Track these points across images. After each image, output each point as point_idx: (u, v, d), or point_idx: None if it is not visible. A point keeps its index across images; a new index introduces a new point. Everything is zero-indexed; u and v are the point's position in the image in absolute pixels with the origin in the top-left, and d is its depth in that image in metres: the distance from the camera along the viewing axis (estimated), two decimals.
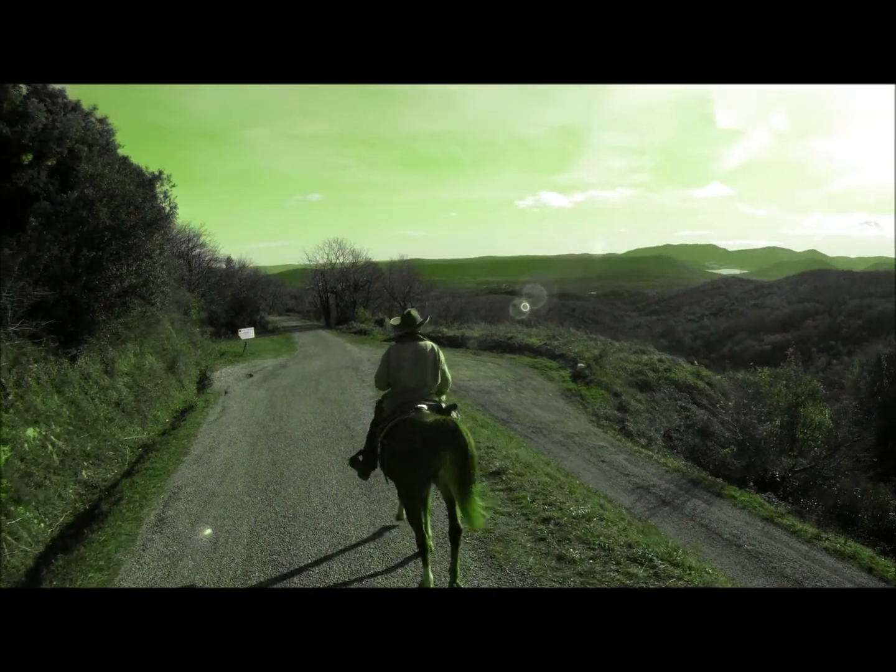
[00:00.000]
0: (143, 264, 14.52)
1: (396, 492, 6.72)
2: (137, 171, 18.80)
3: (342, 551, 7.02)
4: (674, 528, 11.98)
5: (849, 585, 10.37)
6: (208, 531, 7.75)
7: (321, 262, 51.69)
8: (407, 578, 6.29)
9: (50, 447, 10.43)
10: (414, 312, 6.81)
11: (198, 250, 44.96)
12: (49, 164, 14.29)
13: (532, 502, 8.16)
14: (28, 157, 14.01)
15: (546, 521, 7.52)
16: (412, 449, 5.67)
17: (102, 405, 13.25)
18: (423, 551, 5.83)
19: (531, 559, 6.51)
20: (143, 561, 7.13)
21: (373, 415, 7.21)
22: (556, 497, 8.42)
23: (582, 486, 10.93)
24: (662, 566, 6.37)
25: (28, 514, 8.84)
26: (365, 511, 8.19)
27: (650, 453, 17.75)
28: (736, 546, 11.65)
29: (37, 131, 13.95)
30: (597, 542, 6.83)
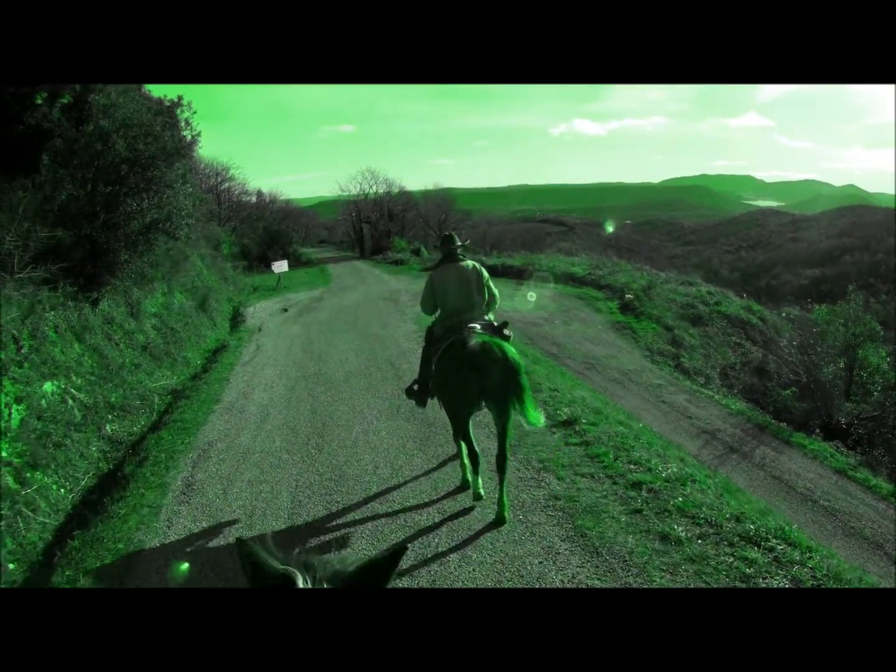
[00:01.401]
0: (165, 196, 13.40)
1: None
2: (156, 101, 17.65)
3: (402, 527, 5.96)
4: (745, 480, 11.03)
5: None
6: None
7: (354, 192, 50.00)
8: (485, 565, 5.19)
9: (71, 401, 9.55)
10: (453, 234, 6.86)
11: (227, 184, 44.11)
12: (63, 101, 13.25)
13: (615, 461, 7.04)
14: (41, 96, 13.07)
15: (636, 486, 6.41)
16: (456, 370, 5.77)
17: (128, 350, 12.41)
18: (474, 462, 5.96)
19: (630, 539, 5.43)
20: (167, 541, 6.14)
21: (419, 349, 7.40)
22: (639, 453, 7.33)
23: (657, 436, 9.91)
24: (781, 548, 5.32)
25: (46, 479, 8.01)
26: (423, 473, 7.13)
27: (710, 393, 16.71)
28: (811, 501, 10.68)
29: None
30: (701, 516, 5.77)
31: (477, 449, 5.96)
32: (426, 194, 52.83)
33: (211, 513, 6.63)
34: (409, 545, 5.53)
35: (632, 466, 6.88)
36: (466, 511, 6.13)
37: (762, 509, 7.54)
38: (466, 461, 6.46)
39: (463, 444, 6.40)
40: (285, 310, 20.86)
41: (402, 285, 24.72)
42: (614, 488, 6.39)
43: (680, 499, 6.09)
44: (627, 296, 23.26)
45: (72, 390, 9.68)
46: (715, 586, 4.96)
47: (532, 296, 23.80)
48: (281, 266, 28.40)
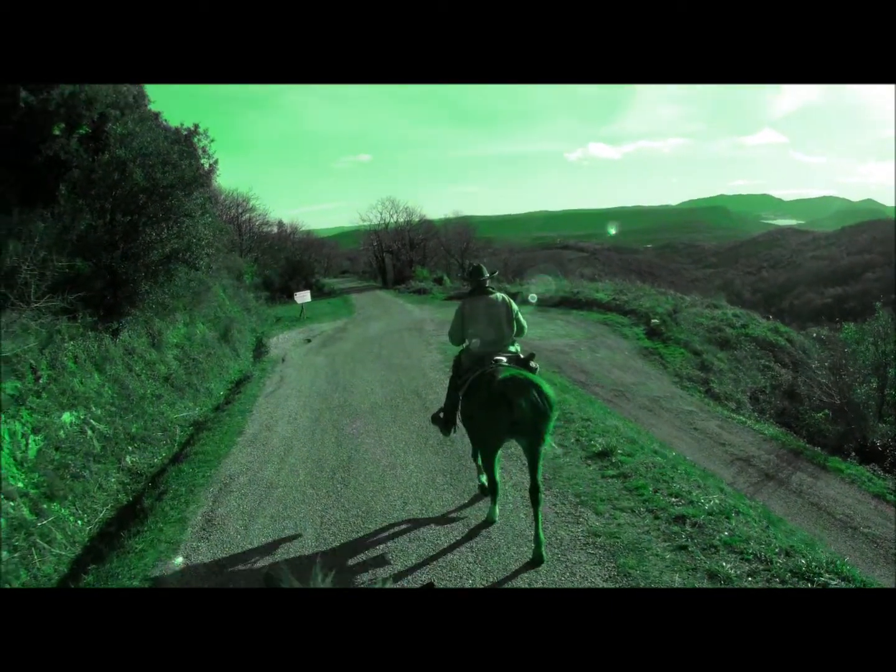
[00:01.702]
0: (185, 226, 13.29)
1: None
2: (173, 130, 17.73)
3: (433, 564, 5.64)
4: (782, 507, 10.65)
5: None
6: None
7: (375, 221, 49.96)
8: None
9: (90, 432, 9.37)
10: (482, 266, 6.83)
11: (248, 215, 43.98)
12: (81, 132, 13.42)
13: (655, 493, 6.73)
14: (59, 127, 13.19)
15: (680, 520, 6.09)
16: (487, 403, 5.65)
17: (149, 381, 12.25)
18: (493, 491, 6.11)
19: (677, 578, 5.10)
20: (185, 580, 5.81)
21: (446, 379, 7.60)
22: (679, 485, 7.02)
23: (692, 465, 9.53)
24: (834, 583, 5.00)
25: (63, 510, 7.81)
26: (455, 508, 6.80)
27: (742, 419, 16.28)
28: (851, 528, 10.25)
29: (63, 97, 13.02)
30: (749, 551, 5.46)
31: (497, 479, 6.06)
32: (447, 223, 52.81)
33: (231, 550, 6.31)
34: (439, 585, 5.22)
35: (673, 499, 6.58)
36: (501, 549, 5.78)
37: (807, 541, 7.22)
38: (483, 480, 6.67)
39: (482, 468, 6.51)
40: (309, 340, 20.76)
41: (425, 315, 24.64)
42: (656, 523, 6.07)
43: (726, 533, 5.78)
44: (653, 321, 22.89)
45: (91, 421, 9.52)
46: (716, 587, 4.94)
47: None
48: (304, 296, 28.43)
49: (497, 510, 6.23)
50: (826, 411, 17.01)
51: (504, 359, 6.10)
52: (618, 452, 7.91)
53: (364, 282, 51.60)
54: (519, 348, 6.57)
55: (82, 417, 9.35)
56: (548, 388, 5.57)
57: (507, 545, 5.83)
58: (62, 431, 8.69)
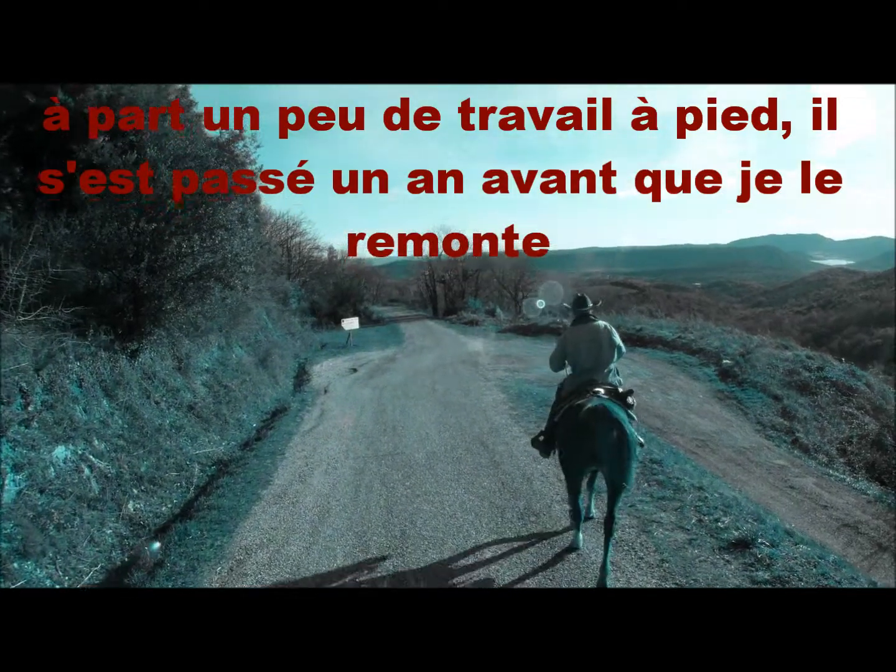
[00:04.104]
0: (219, 238, 11.84)
1: None
2: (212, 136, 16.64)
3: None
4: None
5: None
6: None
7: (428, 251, 49.36)
8: None
9: (87, 470, 7.89)
10: (586, 296, 7.02)
11: (297, 239, 43.86)
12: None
13: None
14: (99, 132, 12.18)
15: None
16: (570, 433, 5.93)
17: (170, 410, 10.81)
18: (576, 520, 6.20)
19: None
20: None
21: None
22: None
23: (837, 555, 7.47)
24: None
25: (38, 572, 6.29)
26: None
27: (840, 476, 14.45)
28: None
29: (101, 98, 12.27)
30: None
31: (581, 508, 6.27)
32: (501, 255, 51.97)
33: None
34: None
35: None
36: None
37: None
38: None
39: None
40: (354, 370, 19.53)
41: (479, 347, 23.28)
42: None
43: None
44: (725, 361, 21.27)
45: (90, 457, 8.09)
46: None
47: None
48: (351, 323, 27.84)
49: (581, 537, 6.28)
50: None
51: (602, 391, 6.09)
52: (760, 542, 6.04)
53: (413, 311, 51.20)
54: (620, 380, 6.64)
55: (80, 453, 7.94)
56: (627, 424, 5.66)
57: None
58: (52, 469, 7.27)
